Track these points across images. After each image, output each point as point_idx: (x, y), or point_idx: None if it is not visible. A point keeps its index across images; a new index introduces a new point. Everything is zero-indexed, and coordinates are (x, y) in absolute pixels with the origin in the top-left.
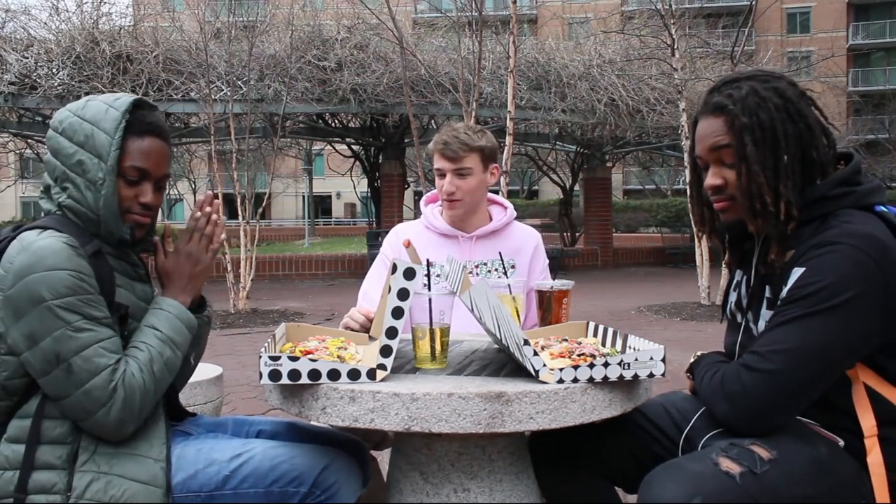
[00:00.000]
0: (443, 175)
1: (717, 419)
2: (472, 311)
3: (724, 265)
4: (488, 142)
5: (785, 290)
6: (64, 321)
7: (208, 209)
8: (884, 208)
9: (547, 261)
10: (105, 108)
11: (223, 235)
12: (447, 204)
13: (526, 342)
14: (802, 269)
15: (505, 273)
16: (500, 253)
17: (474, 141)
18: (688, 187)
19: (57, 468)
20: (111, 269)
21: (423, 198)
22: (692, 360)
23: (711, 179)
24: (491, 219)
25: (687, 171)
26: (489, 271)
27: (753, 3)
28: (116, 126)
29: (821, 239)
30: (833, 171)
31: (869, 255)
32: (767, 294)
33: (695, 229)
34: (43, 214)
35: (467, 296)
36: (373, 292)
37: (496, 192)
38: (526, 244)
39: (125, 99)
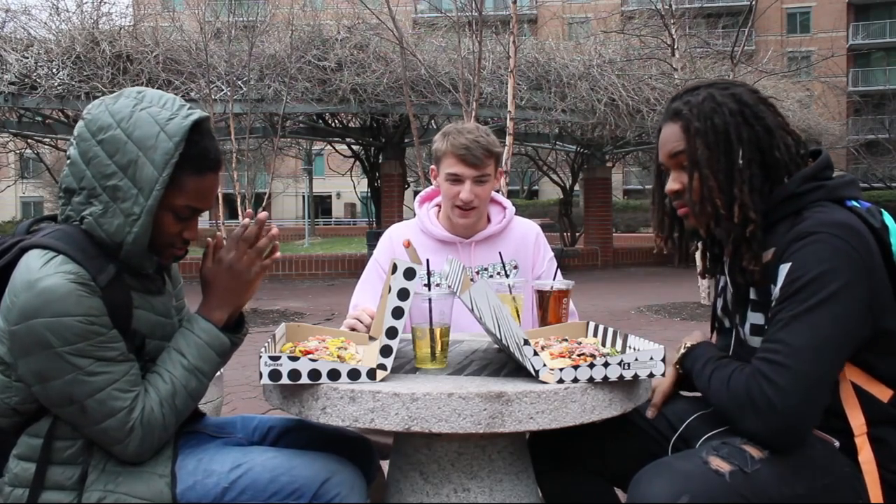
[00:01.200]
0: (459, 181)
1: (743, 432)
2: (472, 311)
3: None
4: (500, 146)
5: (776, 289)
6: (75, 366)
7: (264, 215)
8: (855, 203)
9: (551, 252)
10: (157, 130)
11: (278, 254)
12: (460, 212)
13: (526, 342)
14: (788, 265)
15: (507, 276)
16: (500, 253)
17: (492, 145)
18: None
19: (67, 489)
20: (128, 293)
21: (417, 197)
22: (681, 351)
23: (671, 184)
24: (489, 220)
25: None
26: (490, 276)
27: (753, 3)
28: (167, 161)
29: (797, 231)
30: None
31: (847, 241)
32: (753, 296)
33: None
34: (60, 219)
35: (467, 296)
36: (365, 305)
37: (496, 191)
38: (525, 241)
39: (179, 122)
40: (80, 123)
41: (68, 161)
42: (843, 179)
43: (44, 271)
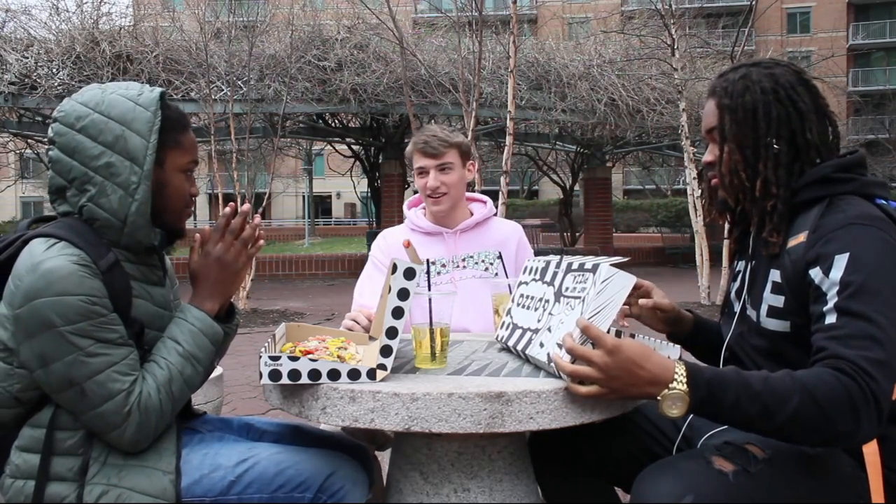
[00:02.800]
0: (426, 172)
1: (837, 437)
2: (596, 283)
3: (724, 261)
4: (463, 139)
5: (826, 276)
6: (76, 346)
7: (246, 207)
8: (883, 202)
9: (532, 252)
10: (131, 105)
11: (262, 242)
12: (432, 200)
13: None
14: (846, 255)
15: (492, 263)
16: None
17: (451, 137)
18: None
19: (68, 480)
20: (127, 281)
21: (406, 203)
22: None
23: (706, 156)
24: (472, 214)
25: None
26: (476, 263)
27: (753, 3)
28: (150, 128)
29: (842, 220)
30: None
31: (892, 236)
32: (776, 279)
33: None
34: (59, 215)
35: (612, 271)
36: (366, 298)
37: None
38: (510, 237)
39: (148, 95)
40: (54, 124)
41: (50, 163)
42: (875, 179)
43: (47, 254)
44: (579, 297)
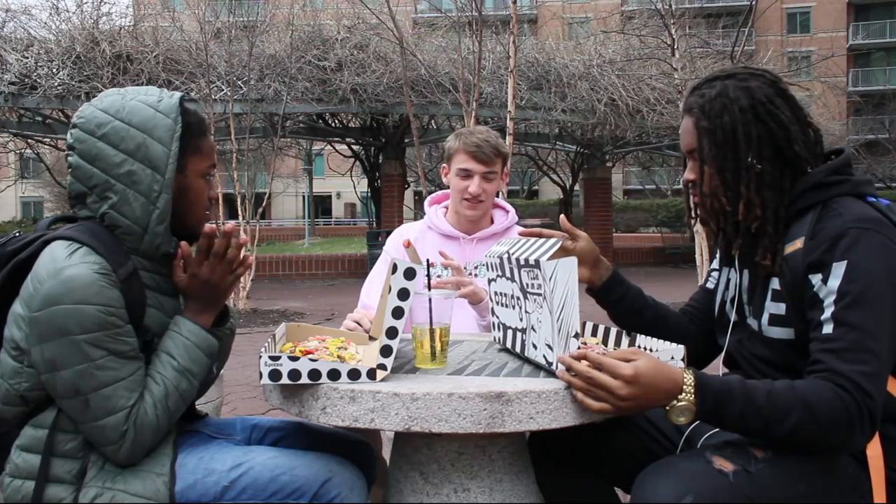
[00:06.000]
0: (469, 176)
1: (835, 447)
2: (546, 279)
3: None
4: (507, 147)
5: (824, 284)
6: (88, 357)
7: (230, 227)
8: (873, 199)
9: None
10: (152, 112)
11: (251, 260)
12: (469, 205)
13: (576, 335)
14: (844, 263)
15: None
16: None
17: (501, 146)
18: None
19: (66, 482)
20: (143, 290)
21: (428, 199)
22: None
23: (686, 174)
24: (492, 222)
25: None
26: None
27: (753, 3)
28: (171, 136)
29: (838, 226)
30: (823, 164)
31: (890, 238)
32: (775, 286)
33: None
34: (80, 219)
35: (553, 264)
36: (372, 298)
37: (496, 192)
38: None
39: (168, 101)
40: (74, 130)
41: (70, 169)
42: (863, 177)
43: (69, 261)
44: (541, 294)
